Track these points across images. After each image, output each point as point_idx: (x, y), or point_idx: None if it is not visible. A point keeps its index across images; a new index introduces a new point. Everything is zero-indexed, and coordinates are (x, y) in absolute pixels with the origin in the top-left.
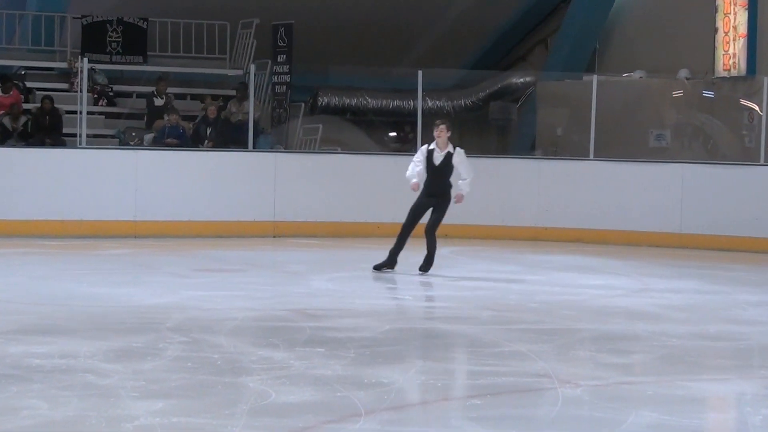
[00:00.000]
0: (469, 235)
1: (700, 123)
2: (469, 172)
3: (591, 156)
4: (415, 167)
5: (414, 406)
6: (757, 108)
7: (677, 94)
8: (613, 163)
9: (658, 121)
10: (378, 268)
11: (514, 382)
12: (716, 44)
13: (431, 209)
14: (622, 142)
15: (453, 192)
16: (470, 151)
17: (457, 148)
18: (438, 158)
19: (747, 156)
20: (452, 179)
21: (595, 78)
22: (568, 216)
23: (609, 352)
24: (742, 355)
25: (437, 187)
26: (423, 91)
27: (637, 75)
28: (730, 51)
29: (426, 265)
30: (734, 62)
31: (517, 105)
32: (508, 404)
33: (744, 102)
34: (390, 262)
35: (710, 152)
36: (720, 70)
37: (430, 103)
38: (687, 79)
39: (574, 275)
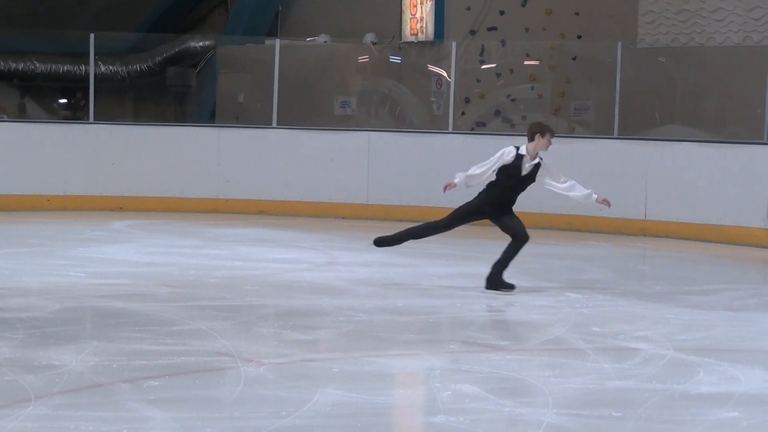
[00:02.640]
0: (147, 208)
1: (387, 89)
2: (561, 174)
3: (274, 124)
4: (485, 171)
5: (88, 389)
6: (445, 74)
7: (363, 59)
8: (297, 132)
9: (344, 87)
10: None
11: (195, 362)
12: (403, 8)
13: (496, 221)
14: (306, 109)
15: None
16: (147, 119)
17: (544, 160)
18: (527, 168)
19: (435, 124)
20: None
21: (277, 42)
22: (251, 187)
23: (293, 328)
24: (431, 330)
25: (509, 200)
26: (96, 55)
27: (321, 39)
28: (418, 15)
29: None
30: (422, 26)
31: (196, 70)
32: (188, 385)
33: (432, 68)
34: (396, 240)
35: (398, 120)
36: (407, 34)
37: (103, 68)
38: (373, 43)
39: (258, 249)
